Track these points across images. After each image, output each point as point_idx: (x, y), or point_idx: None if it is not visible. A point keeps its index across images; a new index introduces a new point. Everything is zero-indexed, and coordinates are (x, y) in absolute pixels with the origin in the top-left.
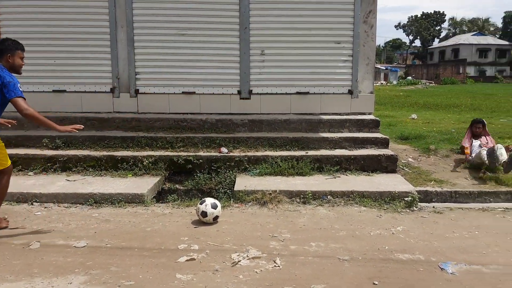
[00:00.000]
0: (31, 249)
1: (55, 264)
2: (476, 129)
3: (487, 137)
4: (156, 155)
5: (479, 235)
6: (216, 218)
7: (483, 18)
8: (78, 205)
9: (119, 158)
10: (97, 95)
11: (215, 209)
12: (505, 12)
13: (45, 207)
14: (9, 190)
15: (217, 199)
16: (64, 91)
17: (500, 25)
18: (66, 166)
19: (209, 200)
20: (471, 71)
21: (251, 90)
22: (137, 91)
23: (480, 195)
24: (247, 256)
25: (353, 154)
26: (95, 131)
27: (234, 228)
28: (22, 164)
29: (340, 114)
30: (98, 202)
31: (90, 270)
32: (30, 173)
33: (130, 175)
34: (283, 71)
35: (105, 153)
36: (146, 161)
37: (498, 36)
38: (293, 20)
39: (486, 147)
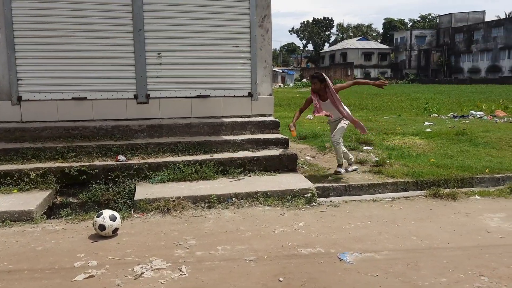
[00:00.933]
0: None
1: None
2: (314, 85)
3: (330, 98)
4: (44, 167)
5: (371, 225)
6: (115, 230)
7: (366, 24)
8: None
9: (2, 173)
10: None
11: (114, 221)
12: (385, 19)
13: None
14: None
15: (116, 210)
16: None
17: (381, 30)
18: None
19: (107, 212)
20: (358, 73)
21: (149, 94)
22: (19, 98)
23: (370, 187)
24: (151, 267)
25: (256, 155)
26: None
27: (136, 240)
28: None
29: (241, 117)
30: None
31: None
32: None
33: (16, 190)
34: (182, 74)
35: None
36: (34, 174)
37: (379, 40)
38: (191, 23)
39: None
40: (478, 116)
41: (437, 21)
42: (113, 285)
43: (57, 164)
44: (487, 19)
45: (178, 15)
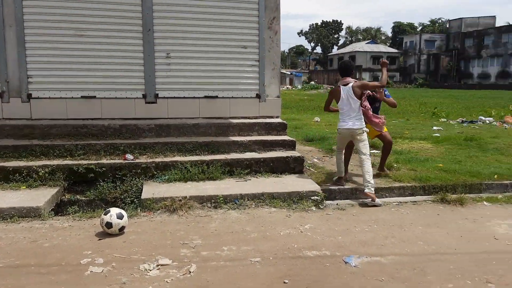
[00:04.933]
0: None
1: None
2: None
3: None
4: (53, 165)
5: (377, 229)
6: (122, 228)
7: (375, 28)
8: None
9: (11, 169)
10: None
11: (121, 219)
12: (394, 23)
13: None
14: None
15: (123, 208)
16: None
17: (390, 34)
18: None
19: (114, 210)
20: (366, 76)
21: (157, 94)
22: (29, 96)
23: (377, 191)
24: (157, 265)
25: (263, 156)
26: None
27: (142, 238)
28: None
29: (249, 118)
30: None
31: None
32: None
33: (24, 187)
34: (191, 75)
35: None
36: (42, 171)
37: (388, 44)
38: (200, 24)
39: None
40: (488, 121)
41: (447, 26)
42: (119, 282)
43: (65, 162)
44: (497, 24)
45: (187, 16)
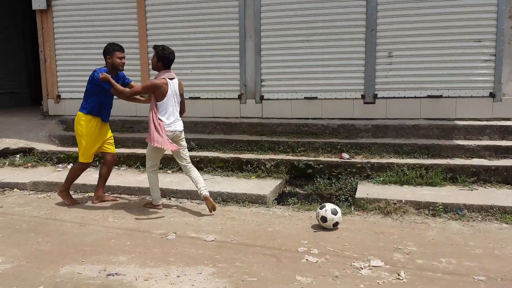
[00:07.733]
0: (168, 239)
1: (187, 255)
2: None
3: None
4: (277, 159)
5: None
6: (336, 224)
7: None
8: None
9: (244, 160)
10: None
11: (335, 215)
12: None
13: (180, 202)
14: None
15: (337, 205)
16: (199, 98)
17: None
18: (198, 166)
19: (329, 206)
20: None
21: (376, 94)
22: (262, 97)
23: None
24: (369, 265)
25: (494, 164)
26: (224, 135)
27: (354, 236)
28: (163, 164)
29: (479, 120)
30: (225, 201)
31: (217, 263)
32: (169, 171)
33: (254, 176)
34: (412, 73)
35: (232, 155)
36: (269, 164)
37: None
38: (426, 19)
39: None
40: None
41: None
42: (332, 275)
43: (287, 157)
44: None
45: (412, 13)
